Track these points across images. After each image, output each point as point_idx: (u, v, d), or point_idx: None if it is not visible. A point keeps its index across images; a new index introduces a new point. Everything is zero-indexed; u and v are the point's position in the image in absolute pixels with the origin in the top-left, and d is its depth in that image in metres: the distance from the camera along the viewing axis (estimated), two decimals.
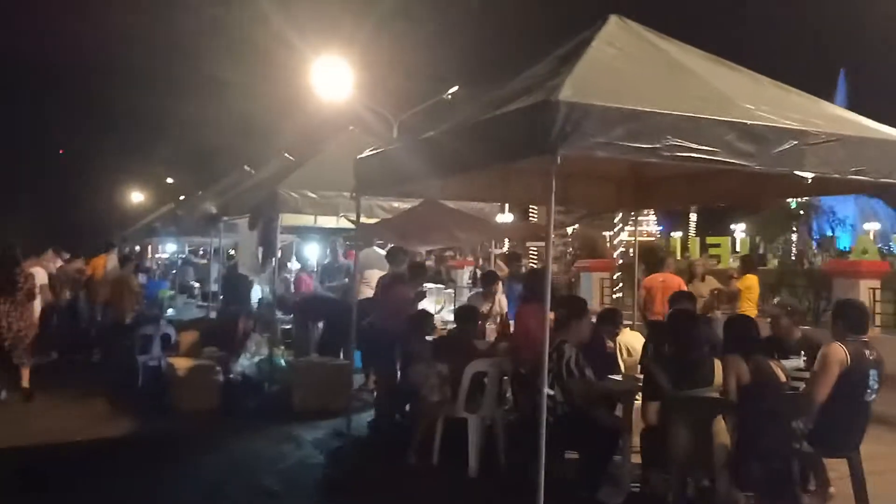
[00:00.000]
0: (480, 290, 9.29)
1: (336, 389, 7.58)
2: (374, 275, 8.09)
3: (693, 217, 41.77)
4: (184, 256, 18.41)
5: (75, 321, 12.02)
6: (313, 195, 8.01)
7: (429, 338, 6.37)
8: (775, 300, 7.80)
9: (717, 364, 4.10)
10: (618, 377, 5.30)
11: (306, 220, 9.16)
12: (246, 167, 14.55)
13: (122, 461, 6.18)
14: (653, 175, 6.70)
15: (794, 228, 28.28)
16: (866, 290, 9.10)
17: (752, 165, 4.04)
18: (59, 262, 13.23)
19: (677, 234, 36.54)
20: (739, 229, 39.59)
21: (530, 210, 24.53)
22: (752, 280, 9.41)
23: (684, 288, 9.45)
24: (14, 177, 42.74)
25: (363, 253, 8.74)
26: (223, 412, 7.55)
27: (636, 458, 5.01)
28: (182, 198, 18.82)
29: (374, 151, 5.68)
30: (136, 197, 48.99)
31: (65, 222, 37.63)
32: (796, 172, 4.15)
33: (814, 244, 25.35)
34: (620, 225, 15.54)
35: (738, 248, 28.10)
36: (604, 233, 17.83)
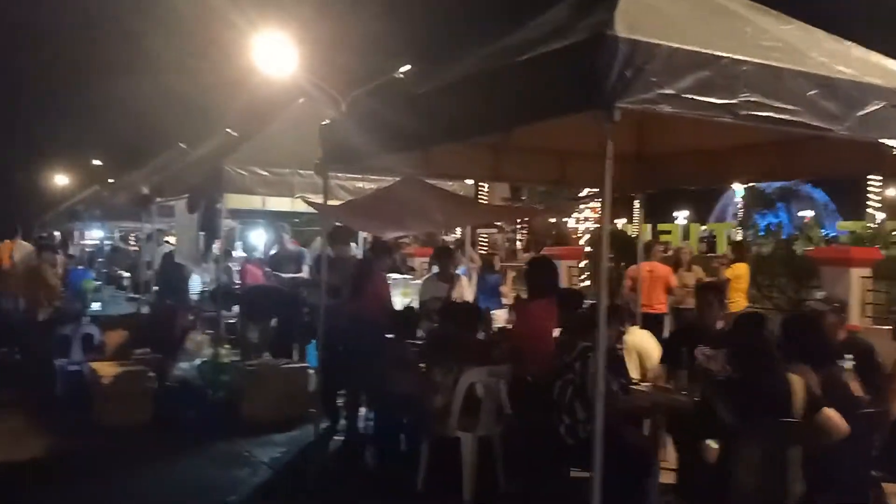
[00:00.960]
0: (434, 271, 8.39)
1: (292, 396, 6.62)
2: None
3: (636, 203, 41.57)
4: (111, 243, 16.80)
5: None
6: (264, 173, 6.94)
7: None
8: (819, 295, 7.13)
9: (796, 382, 3.28)
10: (643, 387, 4.48)
11: (252, 202, 8.06)
12: (182, 145, 13.22)
13: (33, 493, 5.04)
14: (660, 149, 5.90)
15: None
16: (857, 279, 8.62)
17: (837, 130, 3.24)
18: None
19: (621, 221, 36.14)
20: (682, 216, 39.56)
21: (479, 189, 23.67)
22: (741, 269, 8.83)
23: (672, 278, 8.81)
24: None
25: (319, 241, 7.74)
26: (158, 427, 6.43)
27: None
28: (110, 181, 17.21)
29: (348, 114, 4.66)
30: (61, 180, 46.00)
31: None
32: (883, 141, 3.38)
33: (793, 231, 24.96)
34: (583, 209, 14.86)
35: (688, 236, 28.01)
36: (563, 219, 17.19)
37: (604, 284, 2.91)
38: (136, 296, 11.69)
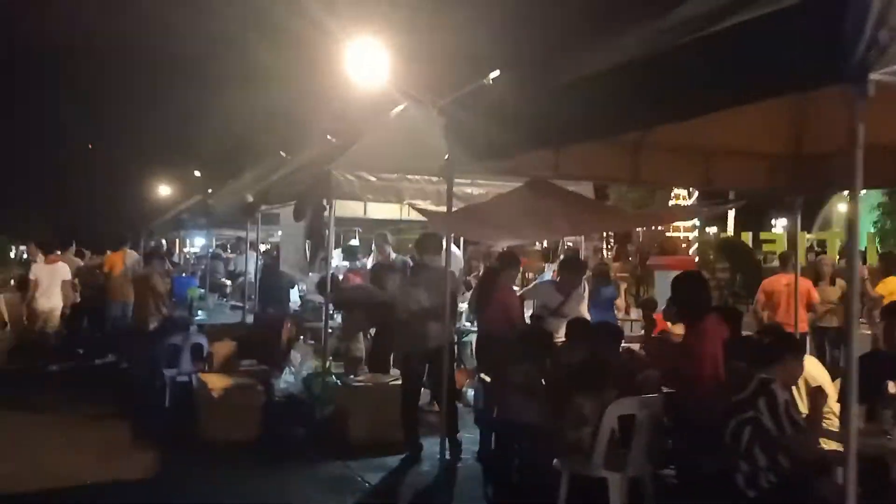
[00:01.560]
0: (549, 279, 7.77)
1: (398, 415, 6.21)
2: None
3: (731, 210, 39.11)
4: (212, 251, 17.11)
5: (100, 322, 11.18)
6: (371, 178, 6.58)
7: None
8: None
9: None
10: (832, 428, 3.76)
11: (354, 209, 7.75)
12: (282, 153, 13.24)
13: None
14: (822, 146, 5.12)
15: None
16: None
17: None
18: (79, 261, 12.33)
19: (712, 230, 33.63)
20: (781, 224, 36.87)
21: None
22: (894, 284, 7.78)
23: (814, 293, 7.88)
24: (42, 172, 42.13)
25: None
26: (265, 443, 6.16)
27: None
28: (210, 191, 17.51)
29: (479, 110, 4.19)
30: (164, 190, 48.16)
31: (90, 217, 36.84)
32: None
33: None
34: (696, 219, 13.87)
35: (794, 245, 25.81)
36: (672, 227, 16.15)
37: (854, 310, 2.26)
38: (240, 304, 11.71)
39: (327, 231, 6.91)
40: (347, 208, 7.62)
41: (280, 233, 9.17)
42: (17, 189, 41.18)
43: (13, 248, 33.23)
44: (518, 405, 4.75)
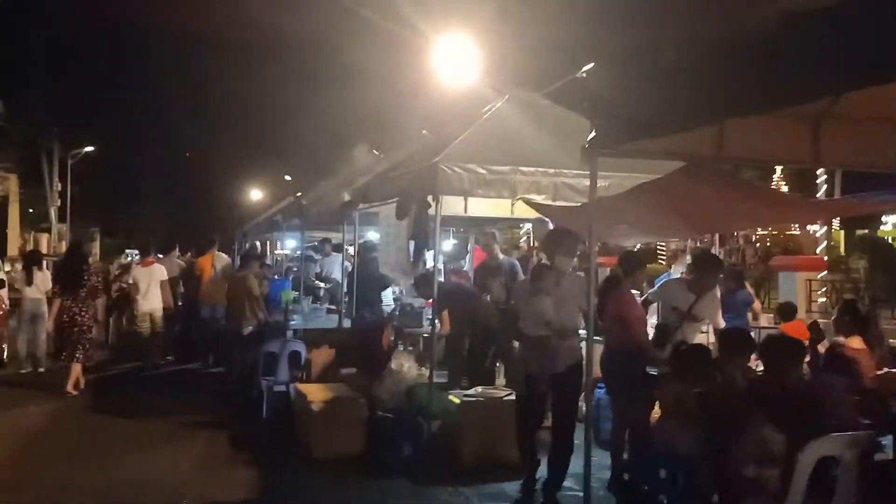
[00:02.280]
0: (681, 274, 6.88)
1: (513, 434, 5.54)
2: None
3: None
4: (305, 252, 16.96)
5: (193, 324, 11.12)
6: (482, 171, 5.94)
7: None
8: None
9: None
10: None
11: (452, 206, 7.17)
12: (375, 151, 12.83)
13: None
14: None
15: None
16: None
17: None
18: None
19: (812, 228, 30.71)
20: (892, 221, 33.48)
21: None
22: None
23: None
24: (143, 179, 44.11)
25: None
26: (370, 462, 5.64)
27: None
28: (298, 194, 17.38)
29: (633, 82, 3.46)
30: (255, 195, 49.52)
31: (188, 221, 38.19)
32: None
33: None
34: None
35: None
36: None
37: None
38: (333, 307, 11.37)
39: (432, 228, 6.33)
40: (445, 205, 7.05)
41: (377, 233, 8.68)
42: (123, 196, 43.35)
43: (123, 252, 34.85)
44: (668, 431, 3.99)
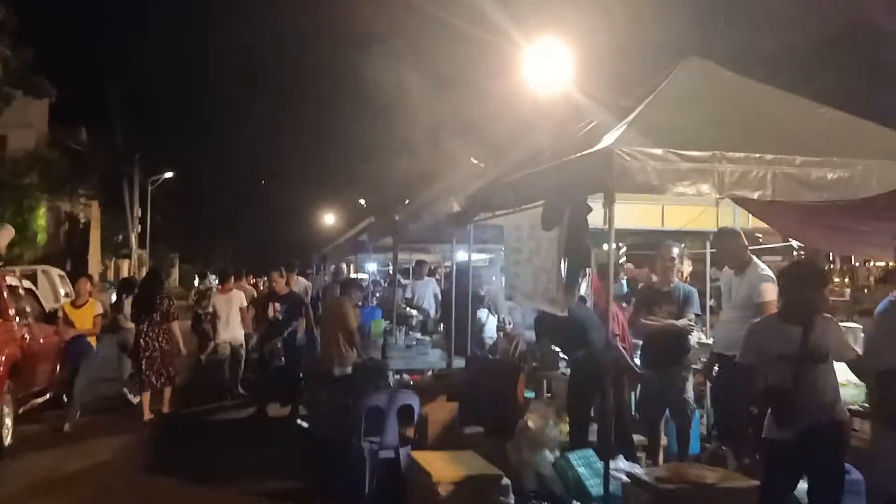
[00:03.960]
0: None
1: None
2: None
3: None
4: (388, 276, 15.52)
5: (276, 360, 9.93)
6: (674, 157, 4.23)
7: None
8: None
9: None
10: None
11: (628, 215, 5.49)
12: (473, 160, 11.30)
13: None
14: None
15: None
16: None
17: None
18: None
19: None
20: None
21: None
22: None
23: None
24: (221, 206, 44.46)
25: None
26: None
27: None
28: (398, 210, 15.90)
29: None
30: (329, 219, 49.13)
31: (264, 247, 37.89)
32: None
33: None
34: None
35: None
36: None
37: None
38: (422, 337, 9.79)
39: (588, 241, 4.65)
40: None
41: (504, 250, 7.02)
42: (201, 223, 43.67)
43: (197, 277, 34.62)
44: None
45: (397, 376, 7.29)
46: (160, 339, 7.93)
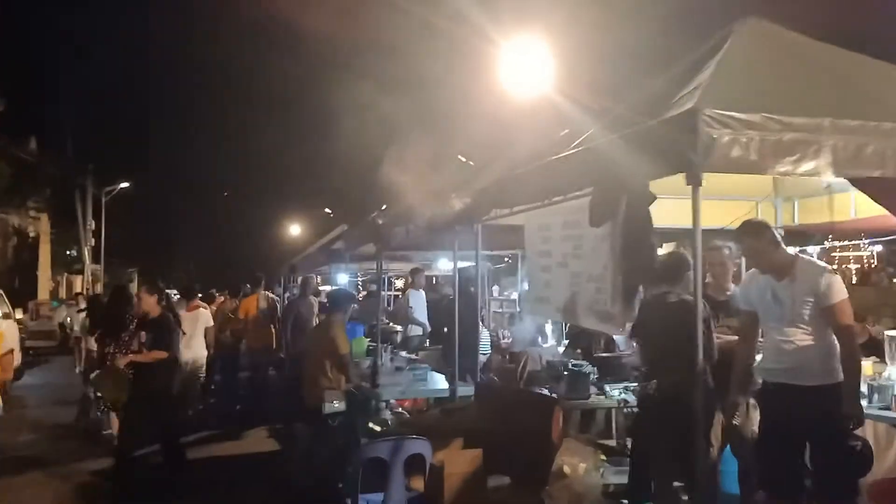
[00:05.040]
0: None
1: None
2: None
3: None
4: (368, 287, 14.30)
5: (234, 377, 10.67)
6: (776, 125, 3.22)
7: None
8: None
9: None
10: None
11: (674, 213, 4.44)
12: (461, 157, 10.29)
13: None
14: None
15: None
16: None
17: None
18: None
19: None
20: None
21: None
22: None
23: None
24: (180, 219, 42.78)
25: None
26: None
27: None
28: (377, 212, 14.64)
29: None
30: (295, 230, 47.59)
31: (228, 261, 36.35)
32: None
33: None
34: None
35: None
36: None
37: None
38: (413, 356, 8.67)
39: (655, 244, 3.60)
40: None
41: (525, 255, 5.93)
42: (160, 236, 41.79)
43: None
44: None
45: (386, 407, 6.19)
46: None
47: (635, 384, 5.16)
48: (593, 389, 5.25)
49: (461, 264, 13.15)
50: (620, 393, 5.24)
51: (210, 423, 8.60)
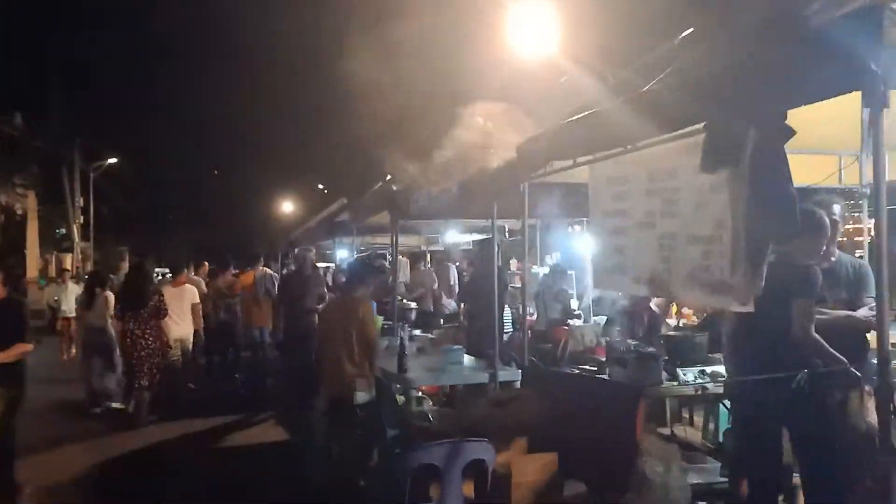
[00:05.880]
0: None
1: None
2: None
3: None
4: (377, 261, 13.41)
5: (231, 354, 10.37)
6: None
7: None
8: None
9: None
10: None
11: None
12: (479, 119, 9.39)
13: None
14: None
15: None
16: None
17: None
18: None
19: None
20: None
21: None
22: None
23: None
24: (171, 194, 41.77)
25: None
26: None
27: None
28: (388, 177, 13.42)
29: None
30: (288, 207, 46.64)
31: (220, 237, 35.44)
32: None
33: None
34: None
35: None
36: None
37: None
38: (430, 335, 7.90)
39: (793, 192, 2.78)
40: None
41: (588, 223, 5.07)
42: (152, 213, 40.79)
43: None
44: None
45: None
46: (148, 335, 7.52)
47: (712, 368, 4.42)
48: (664, 375, 4.47)
49: (477, 237, 12.27)
50: (695, 378, 4.45)
51: (211, 407, 8.02)
